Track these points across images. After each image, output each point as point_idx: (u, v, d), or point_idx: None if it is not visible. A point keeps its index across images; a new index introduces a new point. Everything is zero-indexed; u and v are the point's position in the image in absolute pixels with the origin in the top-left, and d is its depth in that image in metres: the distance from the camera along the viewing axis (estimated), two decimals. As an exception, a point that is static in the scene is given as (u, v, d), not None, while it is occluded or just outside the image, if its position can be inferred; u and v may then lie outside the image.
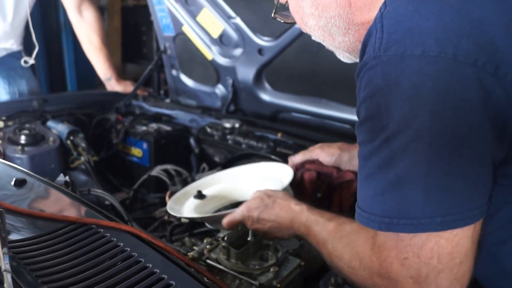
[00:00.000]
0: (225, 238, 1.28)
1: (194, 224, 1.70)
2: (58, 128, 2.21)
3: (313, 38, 1.07)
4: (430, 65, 0.76)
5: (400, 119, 0.79)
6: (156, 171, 2.10)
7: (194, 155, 2.37)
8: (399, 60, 0.78)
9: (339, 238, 0.98)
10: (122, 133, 2.38)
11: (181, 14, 2.46)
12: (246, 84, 2.37)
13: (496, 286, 0.95)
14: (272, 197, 1.25)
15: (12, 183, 1.26)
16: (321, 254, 1.04)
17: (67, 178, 1.38)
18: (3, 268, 0.83)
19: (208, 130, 2.31)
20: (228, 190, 1.66)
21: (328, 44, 1.05)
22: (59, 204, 1.26)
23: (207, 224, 1.40)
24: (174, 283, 0.90)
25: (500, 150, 0.82)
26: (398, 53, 0.79)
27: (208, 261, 1.33)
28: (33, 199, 1.25)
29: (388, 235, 0.83)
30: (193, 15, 2.41)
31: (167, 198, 1.81)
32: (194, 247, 1.40)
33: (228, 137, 2.21)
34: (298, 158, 1.57)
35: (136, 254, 0.99)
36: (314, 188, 1.54)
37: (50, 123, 2.26)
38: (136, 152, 2.35)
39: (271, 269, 1.26)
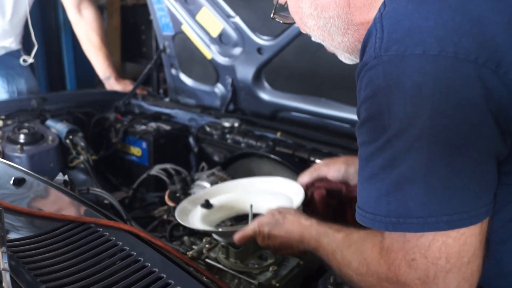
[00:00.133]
0: (225, 238, 1.28)
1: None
2: (57, 127, 2.21)
3: (312, 38, 1.06)
4: (431, 64, 0.76)
5: (402, 119, 0.78)
6: (155, 170, 2.10)
7: (193, 154, 2.37)
8: (400, 60, 0.78)
9: (347, 247, 0.98)
10: (121, 132, 2.37)
11: (181, 13, 2.46)
12: (246, 83, 2.37)
13: (494, 286, 0.94)
14: (282, 213, 1.24)
15: (11, 182, 1.26)
16: (331, 266, 1.03)
17: (66, 177, 1.38)
18: (1, 267, 0.83)
19: (208, 129, 2.30)
20: (235, 201, 1.63)
21: (328, 45, 1.05)
22: (58, 203, 1.25)
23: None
24: (173, 282, 0.90)
25: (503, 147, 0.81)
26: (399, 53, 0.79)
27: (207, 260, 1.33)
28: (32, 198, 1.25)
29: (395, 237, 0.83)
30: (193, 14, 2.41)
31: (166, 197, 1.81)
32: (193, 246, 1.40)
33: (227, 136, 2.21)
34: (305, 178, 1.52)
35: (135, 253, 0.99)
36: (324, 206, 1.52)
37: (49, 122, 2.25)
38: (135, 151, 2.35)
39: (270, 268, 1.26)
